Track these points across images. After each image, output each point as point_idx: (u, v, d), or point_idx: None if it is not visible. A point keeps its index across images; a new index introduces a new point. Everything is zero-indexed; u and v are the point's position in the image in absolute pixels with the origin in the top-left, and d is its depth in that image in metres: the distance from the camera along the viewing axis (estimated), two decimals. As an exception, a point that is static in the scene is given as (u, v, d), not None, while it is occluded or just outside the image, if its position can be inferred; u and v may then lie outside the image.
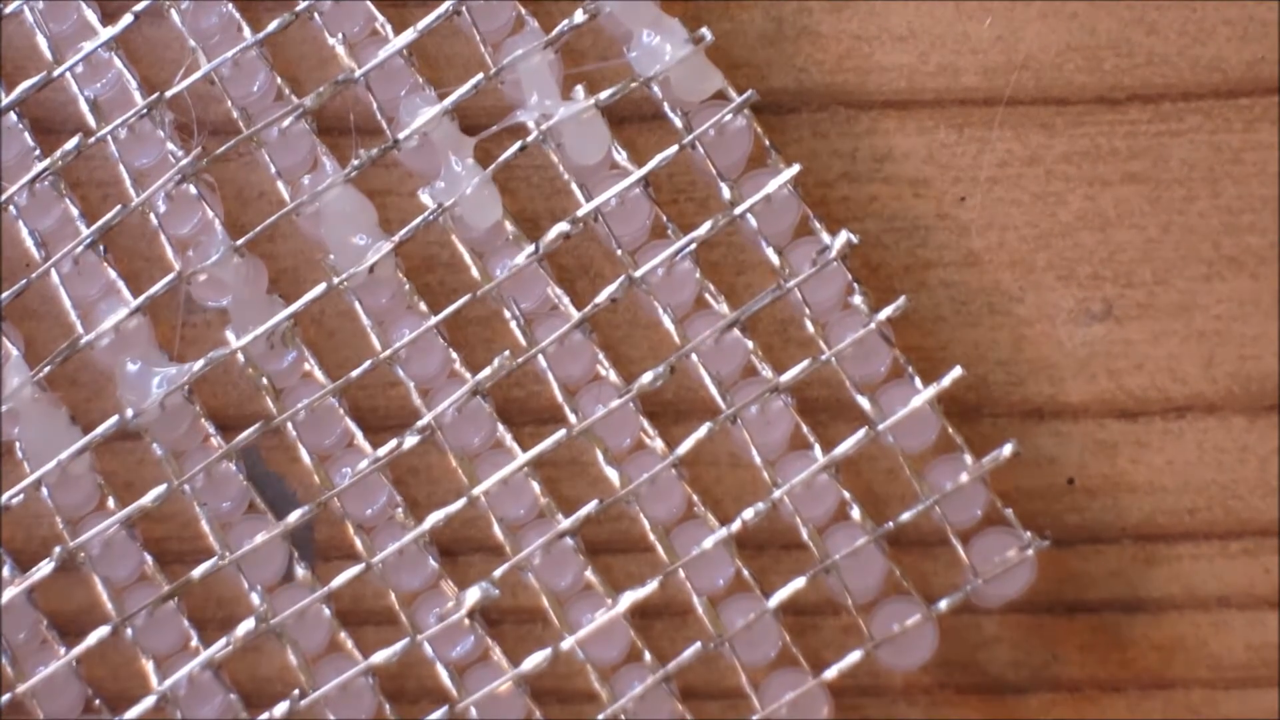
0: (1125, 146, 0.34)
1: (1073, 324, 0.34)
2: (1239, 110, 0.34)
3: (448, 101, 0.33)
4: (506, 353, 0.33)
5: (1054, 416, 0.34)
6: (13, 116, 0.34)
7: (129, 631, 0.33)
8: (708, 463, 0.34)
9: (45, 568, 0.33)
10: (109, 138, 0.33)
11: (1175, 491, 0.33)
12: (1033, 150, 0.34)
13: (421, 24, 0.33)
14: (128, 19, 0.33)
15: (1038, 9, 0.34)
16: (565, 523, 0.33)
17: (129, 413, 0.33)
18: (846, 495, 0.33)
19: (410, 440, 0.33)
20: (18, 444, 0.33)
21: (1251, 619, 0.33)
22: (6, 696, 0.33)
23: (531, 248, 0.33)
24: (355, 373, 0.33)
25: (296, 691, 0.33)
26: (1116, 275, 0.34)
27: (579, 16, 0.33)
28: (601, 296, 0.33)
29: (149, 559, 0.33)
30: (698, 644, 0.33)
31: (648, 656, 0.33)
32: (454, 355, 0.33)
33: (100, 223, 0.33)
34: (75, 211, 0.33)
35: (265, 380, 0.33)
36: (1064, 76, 0.34)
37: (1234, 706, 0.33)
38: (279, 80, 0.34)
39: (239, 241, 0.33)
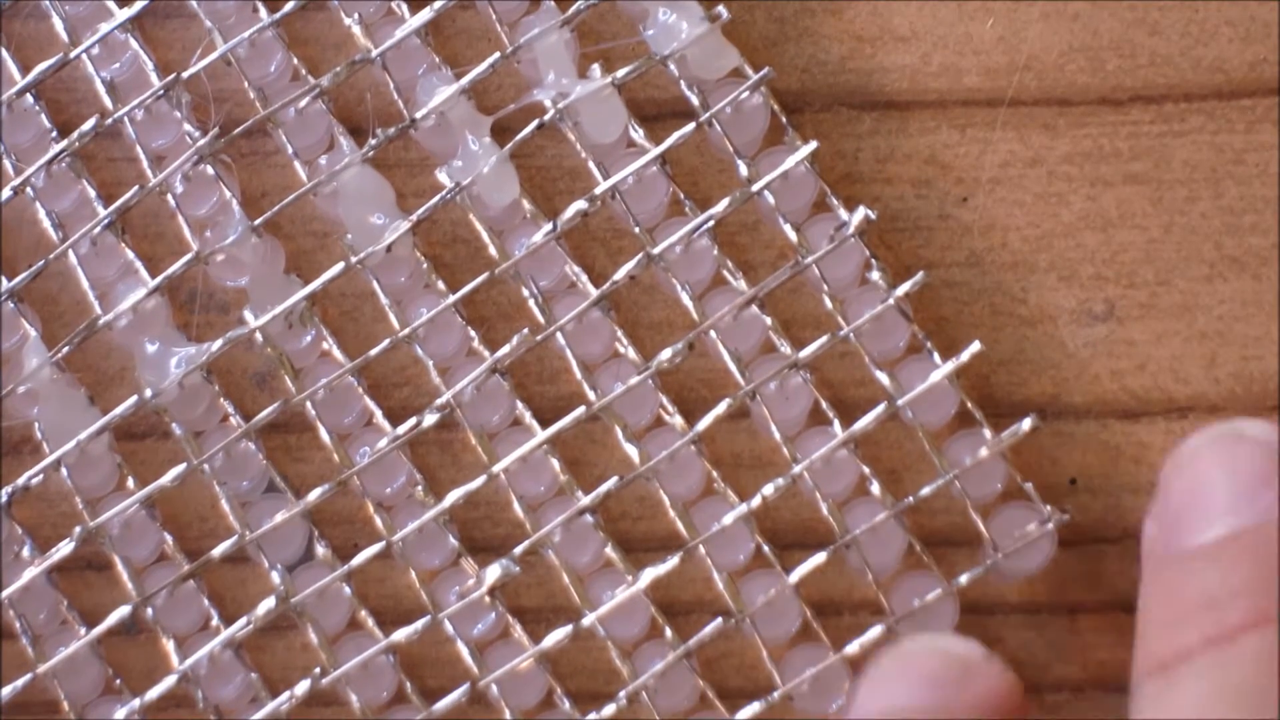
0: (1127, 147, 0.34)
1: (1075, 324, 0.34)
2: (1241, 111, 0.34)
3: (464, 80, 0.33)
4: (525, 330, 0.33)
5: (1056, 417, 0.34)
6: (30, 98, 0.34)
7: (149, 611, 0.33)
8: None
9: (65, 548, 0.33)
10: (126, 119, 0.33)
11: (1178, 492, 0.33)
12: (1035, 151, 0.34)
13: (438, 3, 0.33)
14: (144, 1, 0.33)
15: (1040, 10, 0.34)
16: (585, 499, 0.33)
17: (148, 393, 0.33)
18: (866, 470, 0.33)
19: (429, 419, 0.33)
20: (37, 425, 0.33)
21: (1253, 619, 0.33)
22: (28, 677, 0.33)
23: (549, 225, 0.33)
24: (374, 351, 0.33)
25: (317, 670, 0.33)
26: (1119, 276, 0.34)
27: (596, -6, 0.33)
28: (620, 274, 0.33)
29: (169, 539, 0.33)
30: (718, 620, 0.33)
31: (669, 633, 0.33)
32: (472, 333, 0.33)
33: (118, 203, 0.33)
34: (93, 193, 0.33)
35: (283, 358, 0.33)
36: (1066, 77, 0.34)
37: (1236, 706, 0.33)
38: (295, 61, 0.34)
39: (256, 221, 0.33)
